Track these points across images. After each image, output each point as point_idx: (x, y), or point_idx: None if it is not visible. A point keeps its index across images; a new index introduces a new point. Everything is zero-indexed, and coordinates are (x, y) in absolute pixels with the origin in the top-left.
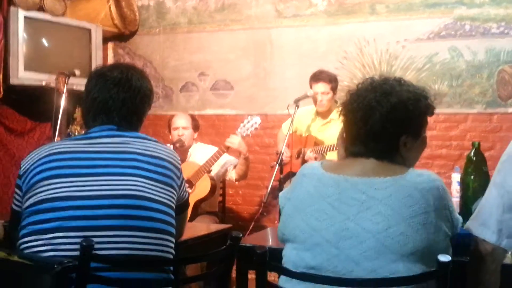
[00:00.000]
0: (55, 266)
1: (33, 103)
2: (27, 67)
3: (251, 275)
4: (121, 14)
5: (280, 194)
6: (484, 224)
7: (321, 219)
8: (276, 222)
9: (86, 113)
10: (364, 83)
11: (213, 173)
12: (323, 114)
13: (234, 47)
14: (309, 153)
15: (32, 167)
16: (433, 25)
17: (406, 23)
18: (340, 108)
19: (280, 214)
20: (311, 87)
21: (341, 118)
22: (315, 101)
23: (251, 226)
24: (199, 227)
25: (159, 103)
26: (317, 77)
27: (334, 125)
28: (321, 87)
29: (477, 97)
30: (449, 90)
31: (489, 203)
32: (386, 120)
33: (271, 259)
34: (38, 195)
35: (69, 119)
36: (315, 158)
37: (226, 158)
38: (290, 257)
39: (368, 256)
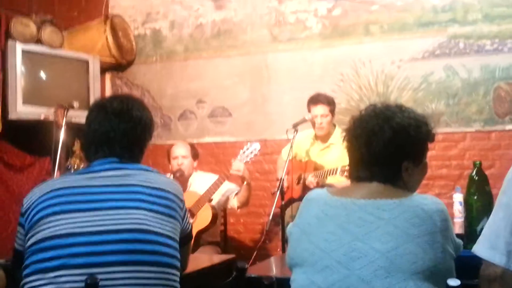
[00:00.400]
0: None
1: (31, 138)
2: (26, 101)
3: None
4: (118, 44)
5: (287, 226)
6: (493, 247)
7: (330, 240)
8: (278, 249)
9: (87, 145)
10: (367, 109)
11: (214, 202)
12: (322, 138)
13: (230, 73)
14: (310, 178)
15: (34, 204)
16: (427, 44)
17: (401, 43)
18: (343, 134)
19: (282, 243)
20: (309, 111)
21: (345, 144)
22: (313, 125)
23: (254, 255)
24: (202, 259)
25: (158, 133)
26: (315, 99)
27: (334, 150)
28: (320, 110)
29: (475, 115)
30: (446, 109)
31: (496, 225)
32: (388, 145)
33: None
34: (41, 232)
35: (68, 152)
36: (317, 183)
37: (227, 186)
38: (300, 281)
39: (379, 275)
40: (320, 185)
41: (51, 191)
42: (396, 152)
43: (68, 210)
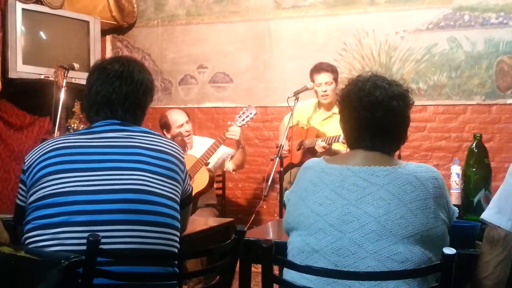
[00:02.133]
0: (62, 261)
1: (31, 97)
2: (26, 61)
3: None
4: (119, 6)
5: (285, 193)
6: (500, 212)
7: (324, 204)
8: (275, 215)
9: (89, 107)
10: (363, 79)
11: (210, 165)
12: (326, 107)
13: (232, 39)
14: (320, 142)
15: (37, 162)
16: (432, 16)
17: (405, 13)
18: (337, 105)
19: (280, 208)
20: (312, 80)
21: (345, 113)
22: (317, 94)
23: (251, 219)
24: (200, 221)
25: (158, 97)
26: (318, 68)
27: (336, 120)
28: (325, 77)
29: (476, 88)
30: (448, 81)
31: (505, 192)
32: (395, 113)
33: (275, 252)
34: (43, 190)
35: (68, 113)
36: (324, 148)
37: (223, 150)
38: (295, 244)
39: (370, 238)
40: (327, 149)
41: (53, 149)
42: (402, 120)
43: (70, 169)
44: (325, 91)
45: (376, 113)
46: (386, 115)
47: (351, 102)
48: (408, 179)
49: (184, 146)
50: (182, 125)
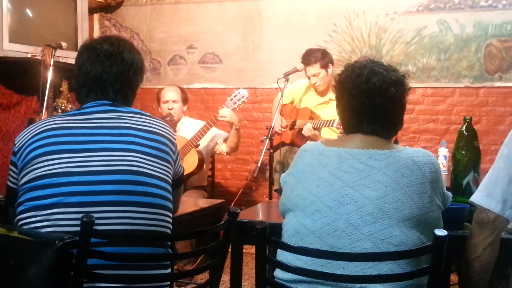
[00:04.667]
0: (56, 242)
1: (18, 76)
2: (12, 39)
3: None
4: None
5: (281, 175)
6: (490, 195)
7: (321, 186)
8: (264, 196)
9: (78, 87)
10: (361, 65)
11: (201, 147)
12: (321, 91)
13: (222, 19)
14: (308, 125)
15: (28, 143)
16: None
17: None
18: (334, 91)
19: (270, 189)
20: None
21: (343, 100)
22: (309, 78)
23: (236, 199)
24: (191, 203)
25: (147, 77)
26: (304, 60)
27: (333, 105)
28: (311, 70)
29: (465, 71)
30: (437, 64)
31: (495, 175)
32: (391, 100)
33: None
34: (35, 171)
35: (56, 92)
36: (310, 132)
37: (215, 131)
38: (291, 225)
39: (367, 220)
40: (316, 136)
41: (44, 131)
42: (399, 106)
43: (62, 150)
44: (315, 83)
45: (374, 100)
46: (384, 101)
47: (349, 89)
48: (406, 163)
49: (173, 127)
50: (167, 101)
